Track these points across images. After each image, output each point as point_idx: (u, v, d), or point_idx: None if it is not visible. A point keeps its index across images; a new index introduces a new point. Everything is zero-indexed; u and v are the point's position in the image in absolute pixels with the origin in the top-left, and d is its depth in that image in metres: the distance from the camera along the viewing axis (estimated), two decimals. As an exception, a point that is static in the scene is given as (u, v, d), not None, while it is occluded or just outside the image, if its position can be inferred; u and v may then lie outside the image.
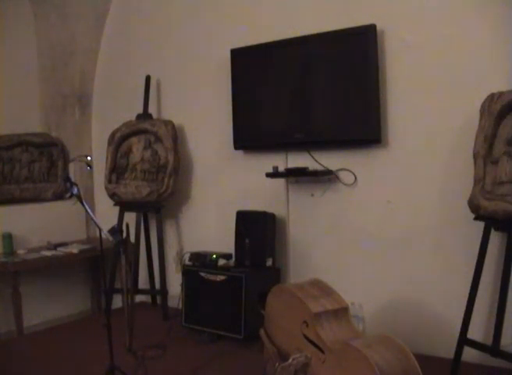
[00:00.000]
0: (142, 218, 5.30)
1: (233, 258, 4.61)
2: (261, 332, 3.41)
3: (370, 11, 4.14)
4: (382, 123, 4.11)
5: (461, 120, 3.76)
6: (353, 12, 4.22)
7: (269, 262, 4.52)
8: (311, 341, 2.99)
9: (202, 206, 5.22)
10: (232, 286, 4.29)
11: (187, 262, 4.71)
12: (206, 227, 5.15)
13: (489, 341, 3.49)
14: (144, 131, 5.17)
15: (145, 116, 5.26)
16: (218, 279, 4.38)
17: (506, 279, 3.39)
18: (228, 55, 4.78)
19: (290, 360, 2.98)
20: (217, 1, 5.02)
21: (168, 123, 5.14)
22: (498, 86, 3.47)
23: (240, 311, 4.22)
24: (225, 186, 5.01)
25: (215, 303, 4.38)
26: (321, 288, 3.28)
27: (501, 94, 3.39)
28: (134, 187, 5.08)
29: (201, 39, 5.12)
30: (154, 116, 5.36)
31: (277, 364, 3.08)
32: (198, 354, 4.11)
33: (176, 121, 5.21)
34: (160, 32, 5.41)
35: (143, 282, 5.40)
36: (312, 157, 4.41)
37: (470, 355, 3.58)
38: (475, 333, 3.59)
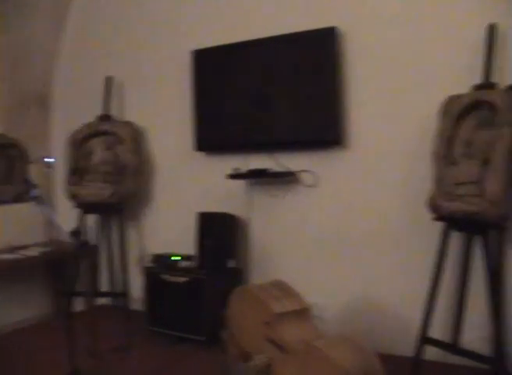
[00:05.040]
0: (103, 220, 5.26)
1: (195, 260, 4.60)
2: (224, 333, 3.42)
3: (332, 13, 4.18)
4: (344, 124, 4.14)
5: (422, 122, 3.80)
6: (315, 14, 4.25)
7: (231, 264, 4.52)
8: (273, 342, 3.01)
9: (164, 208, 5.21)
10: (194, 288, 4.29)
11: (149, 264, 4.69)
12: (168, 229, 5.13)
13: (449, 339, 3.56)
14: (105, 132, 5.12)
15: (106, 117, 5.22)
16: (179, 281, 4.38)
17: (464, 278, 3.46)
18: (189, 56, 4.78)
19: (252, 361, 2.99)
20: (179, 2, 5.01)
21: (129, 125, 5.12)
22: (457, 88, 3.53)
23: (202, 313, 4.23)
24: (187, 187, 4.99)
25: (177, 305, 4.37)
26: (283, 289, 3.30)
27: (460, 96, 3.44)
28: (95, 189, 5.03)
29: (163, 40, 5.09)
30: (117, 117, 5.33)
31: (239, 365, 3.10)
32: (161, 356, 4.10)
33: (139, 122, 5.19)
34: (121, 32, 5.37)
35: (105, 284, 5.37)
36: (273, 158, 4.43)
37: (430, 353, 3.61)
38: (435, 331, 3.63)
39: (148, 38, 5.19)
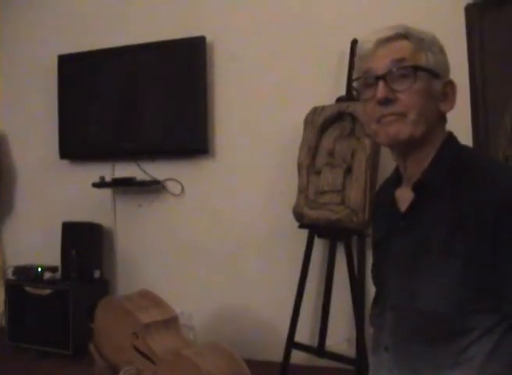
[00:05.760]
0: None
1: (60, 271, 4.48)
2: (91, 346, 3.36)
3: (201, 23, 4.20)
4: (210, 133, 4.18)
5: (287, 132, 3.89)
6: (184, 23, 4.26)
7: (97, 274, 4.44)
8: (141, 353, 2.99)
9: (26, 217, 5.02)
10: (59, 300, 4.17)
11: (11, 276, 4.52)
12: (30, 239, 4.95)
13: (315, 343, 3.66)
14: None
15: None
16: (43, 293, 4.25)
17: (329, 284, 3.56)
18: (56, 60, 4.66)
19: (121, 373, 2.96)
20: (47, 4, 4.88)
21: (-13, 131, 4.93)
22: (321, 100, 3.64)
23: (67, 325, 4.11)
24: (51, 196, 4.85)
25: (42, 318, 4.23)
26: (150, 299, 3.28)
27: (324, 107, 3.56)
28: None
29: (28, 43, 4.93)
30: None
31: (107, 378, 3.06)
32: (24, 373, 3.95)
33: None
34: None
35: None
36: (139, 167, 4.40)
37: (298, 357, 3.69)
38: (302, 336, 3.72)
39: (13, 41, 5.00)
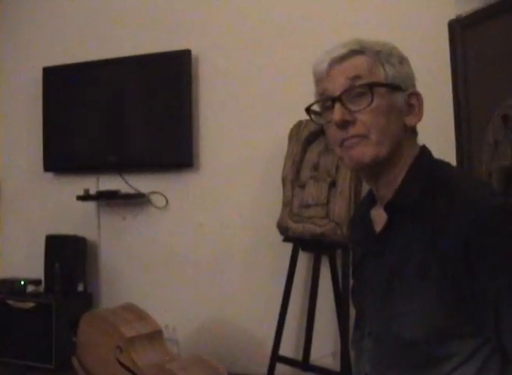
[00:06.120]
0: None
1: (43, 284, 4.46)
2: (74, 360, 3.34)
3: (186, 36, 4.20)
4: (195, 146, 4.18)
5: (272, 146, 3.90)
6: (170, 36, 4.26)
7: (80, 288, 4.41)
8: (125, 367, 2.98)
9: (10, 230, 4.98)
10: (42, 313, 4.14)
11: (-7, 289, 4.49)
12: (14, 252, 4.92)
13: (300, 357, 3.65)
14: None
15: None
16: (26, 306, 4.22)
17: (313, 297, 3.57)
18: (41, 73, 4.64)
19: (104, 387, 2.95)
20: (32, 16, 4.87)
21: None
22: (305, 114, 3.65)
23: (50, 339, 4.07)
24: (35, 209, 4.82)
25: (25, 332, 4.19)
26: (134, 312, 3.28)
27: (308, 121, 3.57)
28: None
29: (13, 55, 4.91)
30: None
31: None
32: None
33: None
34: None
35: None
36: (124, 180, 4.39)
37: (282, 370, 3.68)
38: (287, 349, 3.71)
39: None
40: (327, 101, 1.47)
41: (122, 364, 3.00)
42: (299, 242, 3.55)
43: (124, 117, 4.37)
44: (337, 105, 1.41)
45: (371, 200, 1.59)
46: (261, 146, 3.99)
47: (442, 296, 1.31)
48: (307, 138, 3.56)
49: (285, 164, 3.64)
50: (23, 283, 4.40)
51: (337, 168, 3.35)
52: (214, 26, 4.18)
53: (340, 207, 3.26)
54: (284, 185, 3.62)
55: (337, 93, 1.41)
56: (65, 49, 4.65)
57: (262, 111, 4.00)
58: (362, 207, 1.66)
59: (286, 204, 3.58)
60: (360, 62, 1.41)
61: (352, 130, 1.40)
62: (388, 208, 1.46)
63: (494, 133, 2.83)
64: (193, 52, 4.15)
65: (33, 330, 4.17)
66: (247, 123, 4.06)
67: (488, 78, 3.00)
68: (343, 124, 1.40)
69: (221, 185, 4.14)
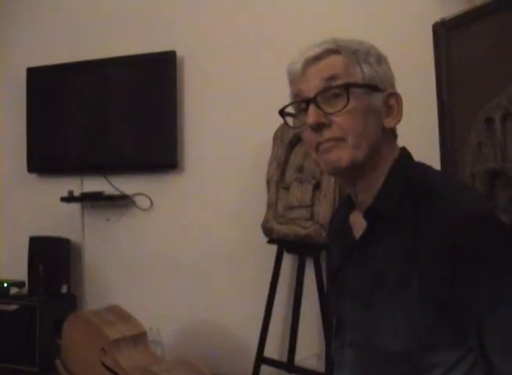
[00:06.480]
0: None
1: (26, 286, 4.43)
2: (58, 363, 3.33)
3: (171, 37, 4.19)
4: (179, 148, 4.17)
5: (256, 147, 3.90)
6: (155, 37, 4.25)
7: (64, 290, 4.39)
8: (110, 369, 2.98)
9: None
10: (26, 315, 4.12)
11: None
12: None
13: (284, 358, 3.65)
14: None
15: None
16: (10, 309, 4.19)
17: (298, 299, 3.57)
18: (25, 73, 4.62)
19: (89, 390, 2.94)
20: (15, 16, 4.84)
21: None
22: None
23: (34, 342, 4.06)
24: (18, 210, 4.80)
25: (8, 335, 4.16)
26: (118, 314, 3.28)
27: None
28: None
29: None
30: None
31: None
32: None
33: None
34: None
35: None
36: (108, 181, 4.38)
37: (267, 372, 3.68)
38: (271, 351, 3.71)
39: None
40: (302, 103, 1.40)
41: (106, 366, 2.99)
42: (283, 244, 3.55)
43: (108, 118, 4.36)
44: (311, 107, 1.34)
45: (349, 206, 1.55)
46: (246, 148, 3.99)
47: (424, 305, 1.27)
48: (292, 140, 3.56)
49: (269, 166, 3.64)
50: (6, 285, 4.38)
51: (322, 170, 3.35)
52: (199, 27, 4.18)
53: (325, 209, 3.27)
54: (269, 187, 3.62)
55: (312, 94, 1.35)
56: (50, 50, 4.63)
57: (247, 113, 3.99)
58: (340, 214, 1.62)
59: (271, 205, 3.58)
60: (336, 62, 1.36)
61: (327, 134, 1.35)
62: (367, 215, 1.41)
63: (478, 136, 2.84)
64: (179, 53, 4.15)
65: (16, 332, 4.14)
66: (231, 125, 4.05)
67: (473, 81, 3.01)
68: (318, 127, 1.34)
69: (205, 186, 4.14)
